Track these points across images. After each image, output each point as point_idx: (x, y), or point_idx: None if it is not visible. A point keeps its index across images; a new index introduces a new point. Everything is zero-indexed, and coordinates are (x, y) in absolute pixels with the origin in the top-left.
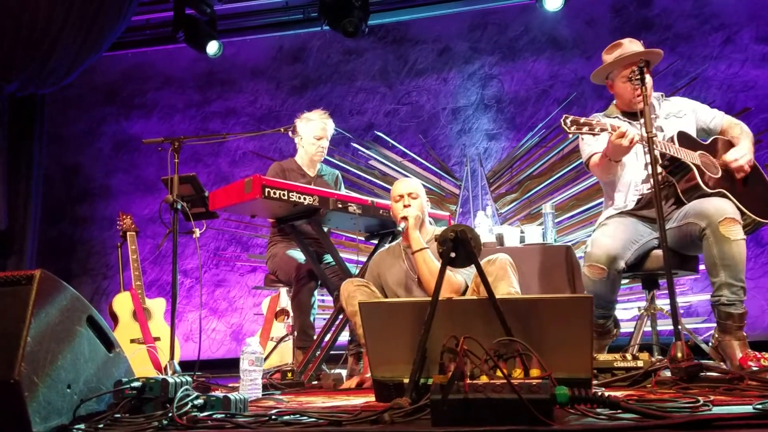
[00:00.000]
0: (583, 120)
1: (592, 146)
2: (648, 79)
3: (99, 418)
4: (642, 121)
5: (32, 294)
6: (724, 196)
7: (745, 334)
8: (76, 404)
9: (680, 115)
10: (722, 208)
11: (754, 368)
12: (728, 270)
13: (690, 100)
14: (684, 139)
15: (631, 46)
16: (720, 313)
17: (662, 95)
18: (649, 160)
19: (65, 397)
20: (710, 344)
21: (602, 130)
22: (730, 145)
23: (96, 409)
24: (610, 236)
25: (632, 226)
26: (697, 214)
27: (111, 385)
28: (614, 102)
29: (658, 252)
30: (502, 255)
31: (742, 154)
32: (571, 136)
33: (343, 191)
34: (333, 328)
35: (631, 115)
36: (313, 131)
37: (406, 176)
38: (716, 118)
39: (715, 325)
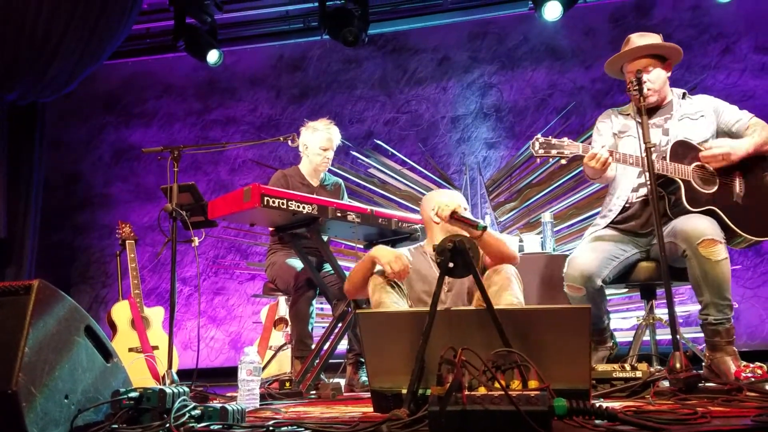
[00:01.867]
0: (554, 142)
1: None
2: (662, 78)
3: (96, 429)
4: (653, 121)
5: (30, 304)
6: (712, 212)
7: (735, 348)
8: (74, 415)
9: (696, 116)
10: (701, 229)
11: (752, 379)
12: (713, 290)
13: (715, 99)
14: (681, 149)
15: (640, 40)
16: (707, 332)
17: (684, 93)
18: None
19: (63, 407)
20: (704, 364)
21: (572, 152)
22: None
23: (93, 419)
24: (586, 256)
25: (612, 244)
26: (678, 234)
27: (109, 395)
28: None
29: (644, 264)
30: (507, 265)
31: (719, 145)
32: (539, 160)
33: (346, 200)
34: (332, 337)
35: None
36: (319, 142)
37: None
38: (741, 121)
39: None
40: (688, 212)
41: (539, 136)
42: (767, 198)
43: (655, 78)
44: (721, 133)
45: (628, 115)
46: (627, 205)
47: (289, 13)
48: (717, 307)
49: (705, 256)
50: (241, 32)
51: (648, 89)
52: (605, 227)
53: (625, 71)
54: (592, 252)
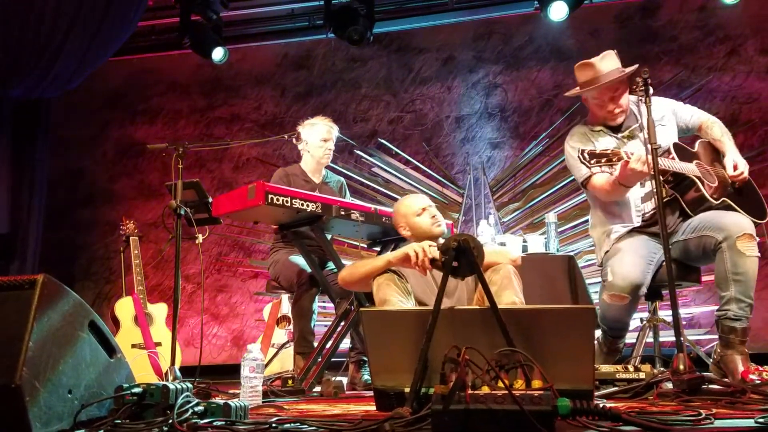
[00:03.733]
0: (598, 151)
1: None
2: (627, 98)
3: (99, 424)
4: (625, 133)
5: (35, 299)
6: (728, 205)
7: (746, 350)
8: (77, 409)
9: (663, 122)
10: (741, 223)
11: (757, 381)
12: (739, 285)
13: (668, 100)
14: (679, 150)
15: (602, 64)
16: (723, 328)
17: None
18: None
19: (66, 402)
20: (711, 361)
21: (619, 159)
22: (713, 148)
23: (96, 414)
24: (631, 263)
25: (645, 246)
26: (715, 227)
27: (112, 390)
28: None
29: None
30: (506, 264)
31: (743, 166)
32: (592, 169)
33: (348, 199)
34: (334, 335)
35: (612, 127)
36: (320, 134)
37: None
38: (694, 116)
39: (717, 337)
40: (712, 206)
41: (583, 150)
42: (751, 185)
43: (626, 101)
44: (680, 129)
45: (600, 131)
46: (644, 213)
47: (294, 11)
48: (739, 303)
49: (740, 250)
50: (246, 30)
51: (618, 111)
52: (630, 231)
53: (589, 98)
54: (633, 257)
